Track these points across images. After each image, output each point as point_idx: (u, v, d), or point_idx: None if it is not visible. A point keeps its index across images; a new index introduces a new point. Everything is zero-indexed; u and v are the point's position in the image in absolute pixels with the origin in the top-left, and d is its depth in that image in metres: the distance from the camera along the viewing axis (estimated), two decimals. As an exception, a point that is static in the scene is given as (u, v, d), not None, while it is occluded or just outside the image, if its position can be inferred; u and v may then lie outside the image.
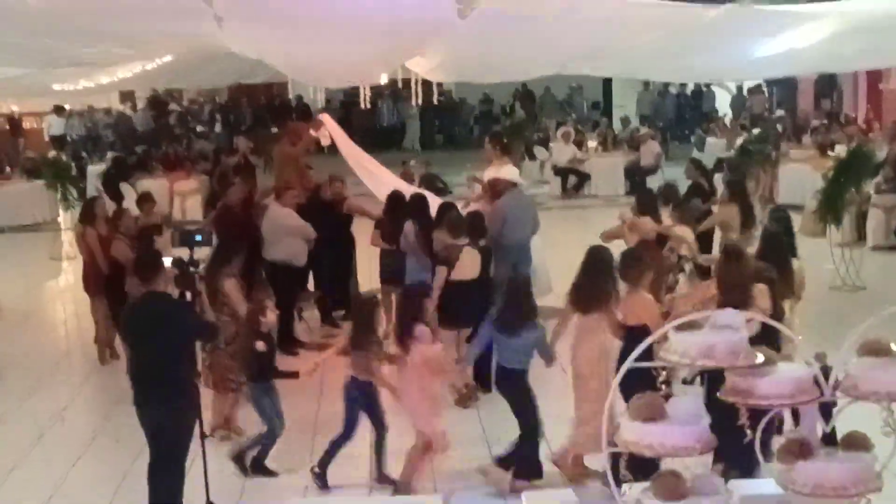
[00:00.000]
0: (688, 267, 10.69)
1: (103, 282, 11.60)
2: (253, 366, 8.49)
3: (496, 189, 11.73)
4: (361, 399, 8.19)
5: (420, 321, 7.98)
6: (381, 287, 11.62)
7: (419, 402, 7.93)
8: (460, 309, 10.00)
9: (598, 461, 6.94)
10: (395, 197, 11.98)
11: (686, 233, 10.92)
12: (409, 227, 11.08)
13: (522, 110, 31.72)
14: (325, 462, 8.27)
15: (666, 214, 11.28)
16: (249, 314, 8.63)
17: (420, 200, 11.75)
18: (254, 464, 8.57)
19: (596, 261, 8.20)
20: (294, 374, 8.48)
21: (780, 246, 8.93)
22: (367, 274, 12.85)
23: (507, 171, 11.99)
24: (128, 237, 11.64)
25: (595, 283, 8.01)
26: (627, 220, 10.94)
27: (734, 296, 6.93)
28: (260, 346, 8.36)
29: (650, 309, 7.75)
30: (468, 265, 10.17)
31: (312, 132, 14.26)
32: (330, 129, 14.31)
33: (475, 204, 12.22)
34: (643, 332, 6.67)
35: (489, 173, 12.26)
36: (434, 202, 11.91)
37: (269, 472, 8.57)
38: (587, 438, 7.70)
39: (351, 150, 14.43)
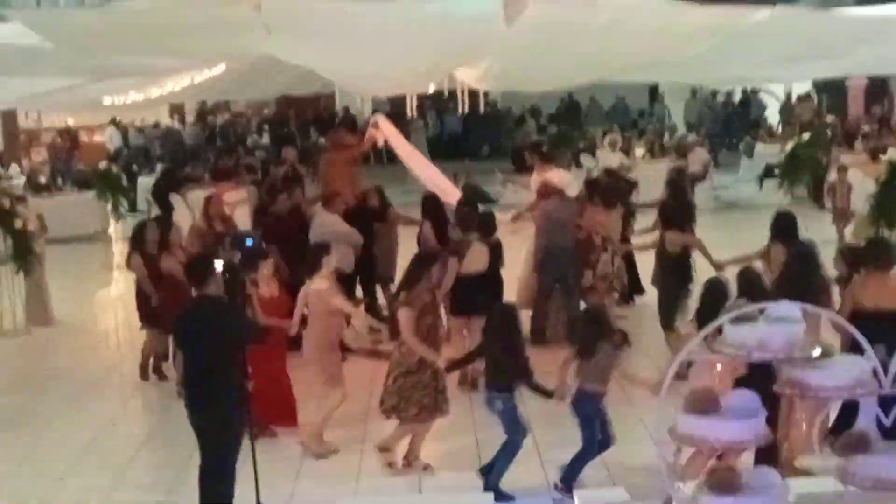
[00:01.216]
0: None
1: (152, 312, 11.18)
2: (505, 375, 8.07)
3: (544, 194, 11.83)
4: (593, 409, 7.97)
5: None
6: None
7: None
8: (468, 299, 10.32)
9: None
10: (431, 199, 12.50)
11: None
12: (426, 227, 11.80)
13: (567, 119, 31.59)
14: (568, 477, 7.97)
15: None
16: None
17: (433, 201, 12.41)
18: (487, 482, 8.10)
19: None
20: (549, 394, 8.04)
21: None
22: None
23: (556, 176, 12.01)
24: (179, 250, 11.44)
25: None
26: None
27: None
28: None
29: None
30: (477, 259, 10.62)
31: (371, 132, 14.31)
32: (385, 130, 14.31)
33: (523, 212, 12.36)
34: None
35: (535, 180, 12.29)
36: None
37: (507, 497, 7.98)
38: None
39: (406, 150, 14.43)
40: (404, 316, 8.31)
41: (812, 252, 8.60)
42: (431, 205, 12.40)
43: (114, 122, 29.48)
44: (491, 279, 10.79)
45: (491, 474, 8.05)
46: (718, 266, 10.49)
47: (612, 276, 11.57)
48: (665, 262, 11.24)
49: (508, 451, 8.05)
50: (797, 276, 8.14)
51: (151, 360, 11.65)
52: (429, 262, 8.72)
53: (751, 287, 7.72)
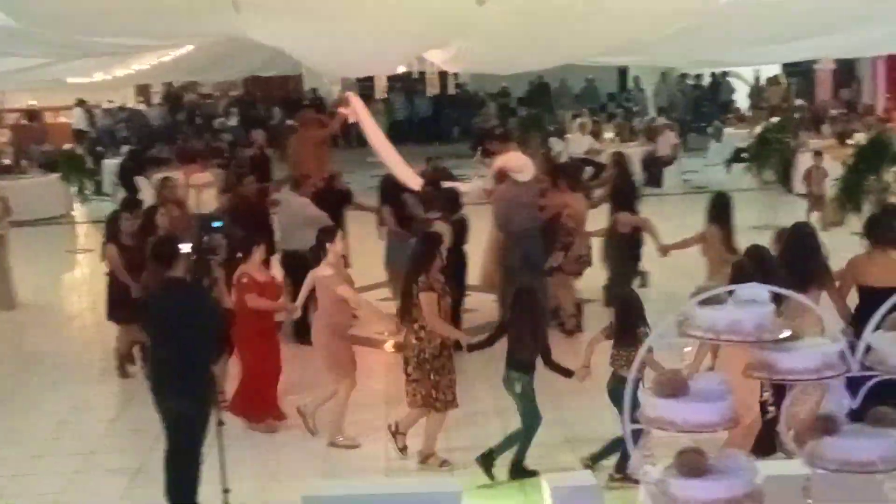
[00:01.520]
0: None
1: (130, 306, 10.33)
2: (528, 354, 7.98)
3: (501, 178, 11.88)
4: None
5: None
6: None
7: None
8: None
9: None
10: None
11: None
12: (386, 211, 12.09)
13: (537, 102, 31.57)
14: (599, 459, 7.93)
15: None
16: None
17: (392, 184, 12.45)
18: (513, 468, 8.06)
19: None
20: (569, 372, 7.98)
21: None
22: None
23: (512, 160, 12.02)
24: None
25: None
26: None
27: None
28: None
29: None
30: None
31: (341, 110, 14.21)
32: (356, 109, 14.21)
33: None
34: None
35: (497, 164, 12.30)
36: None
37: (530, 473, 7.98)
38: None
39: (373, 131, 14.34)
40: (427, 299, 8.15)
41: (812, 232, 8.54)
42: (390, 188, 12.46)
43: (80, 103, 29.17)
44: (454, 257, 10.82)
45: (517, 464, 7.99)
46: (662, 249, 10.77)
47: (585, 258, 11.64)
48: (616, 242, 11.36)
49: (525, 437, 8.00)
50: (798, 256, 8.02)
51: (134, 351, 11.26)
52: (437, 243, 8.63)
53: (762, 264, 7.62)
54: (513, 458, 8.02)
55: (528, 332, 7.93)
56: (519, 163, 12.03)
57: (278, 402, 9.53)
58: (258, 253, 9.44)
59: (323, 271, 8.85)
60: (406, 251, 10.75)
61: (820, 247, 8.18)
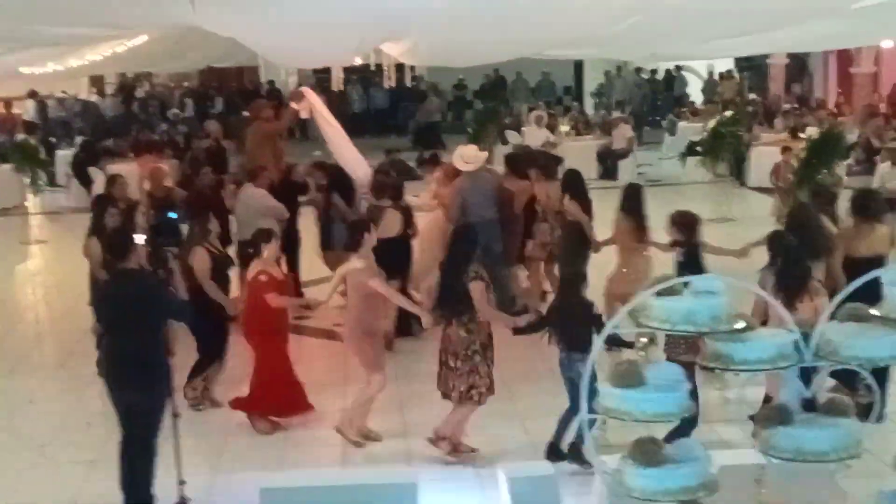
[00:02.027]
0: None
1: None
2: (587, 335, 7.63)
3: (453, 174, 12.15)
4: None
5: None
6: None
7: None
8: (383, 263, 10.02)
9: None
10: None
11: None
12: (336, 197, 12.31)
13: (494, 95, 31.63)
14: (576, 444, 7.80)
15: None
16: None
17: (340, 173, 12.76)
18: (573, 451, 7.87)
19: None
20: None
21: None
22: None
23: (466, 151, 12.12)
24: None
25: None
26: None
27: None
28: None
29: None
30: (391, 224, 11.08)
31: (293, 105, 14.09)
32: (311, 102, 14.09)
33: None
34: None
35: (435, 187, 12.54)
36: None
37: (585, 462, 7.51)
38: None
39: (329, 124, 14.24)
40: (478, 288, 8.00)
41: (812, 213, 9.15)
42: (339, 177, 12.64)
43: (32, 94, 28.78)
44: (403, 244, 11.25)
45: (575, 450, 7.82)
46: (595, 243, 11.05)
47: (552, 245, 11.76)
48: (568, 228, 11.50)
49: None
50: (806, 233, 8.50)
51: None
52: (474, 236, 8.61)
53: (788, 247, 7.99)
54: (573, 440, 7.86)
55: (583, 314, 7.85)
56: (469, 153, 12.19)
57: (304, 395, 9.29)
58: (271, 248, 9.14)
59: (354, 264, 8.60)
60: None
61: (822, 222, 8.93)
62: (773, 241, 8.13)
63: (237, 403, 9.13)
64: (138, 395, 7.22)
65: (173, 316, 7.76)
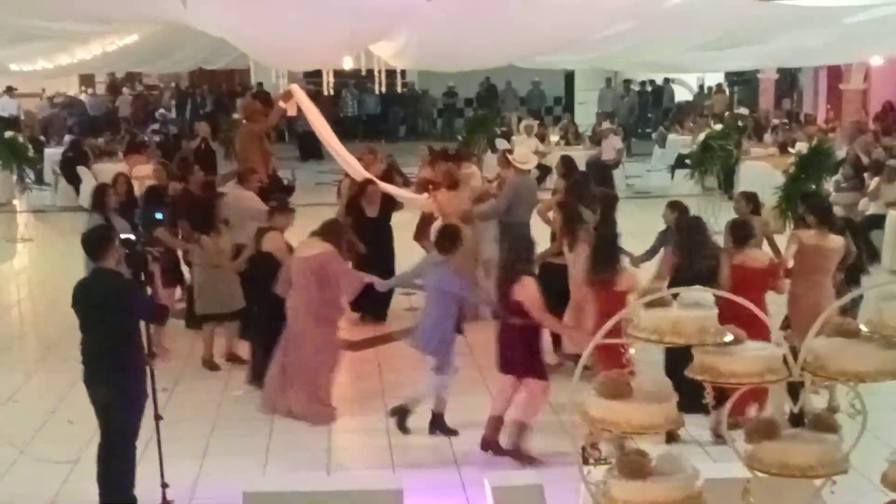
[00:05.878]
0: None
1: None
2: None
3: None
4: None
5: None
6: None
7: None
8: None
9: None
10: None
11: None
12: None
13: (485, 103, 31.68)
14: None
15: None
16: None
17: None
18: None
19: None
20: None
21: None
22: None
23: (520, 152, 12.81)
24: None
25: None
26: None
27: None
28: None
29: None
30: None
31: (281, 103, 14.04)
32: (299, 101, 14.04)
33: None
34: None
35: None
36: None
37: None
38: None
39: (319, 123, 14.22)
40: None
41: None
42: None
43: (8, 90, 28.61)
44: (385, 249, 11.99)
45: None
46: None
47: None
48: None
49: None
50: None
51: None
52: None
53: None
54: None
55: None
56: (525, 155, 12.50)
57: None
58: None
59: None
60: None
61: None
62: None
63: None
64: (111, 395, 7.18)
65: (143, 317, 7.54)
